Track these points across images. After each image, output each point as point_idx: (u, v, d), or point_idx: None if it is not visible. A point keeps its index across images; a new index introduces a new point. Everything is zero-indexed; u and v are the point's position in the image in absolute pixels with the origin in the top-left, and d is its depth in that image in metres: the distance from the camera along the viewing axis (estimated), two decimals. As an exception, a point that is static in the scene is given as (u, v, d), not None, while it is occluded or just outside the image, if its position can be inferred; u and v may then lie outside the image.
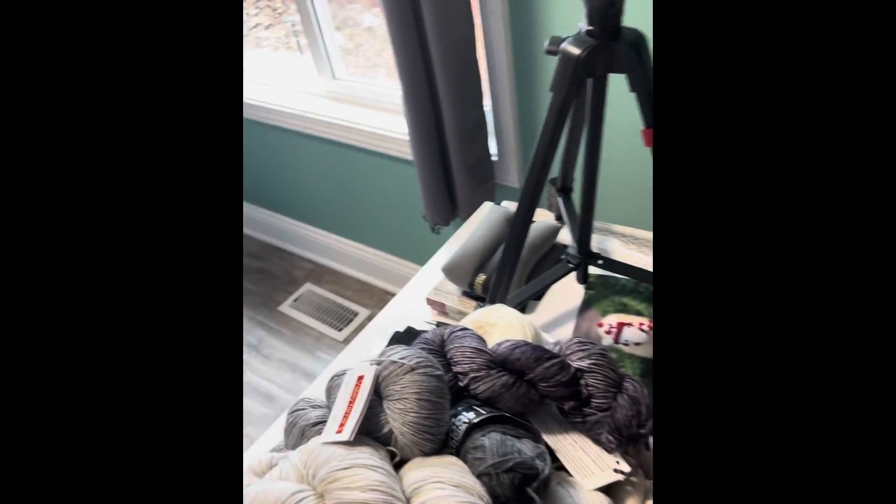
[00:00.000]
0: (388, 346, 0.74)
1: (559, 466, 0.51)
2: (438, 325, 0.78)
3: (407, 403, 0.49)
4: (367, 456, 0.47)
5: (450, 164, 1.29)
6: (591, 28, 0.55)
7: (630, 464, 0.51)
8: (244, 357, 1.82)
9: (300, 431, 0.54)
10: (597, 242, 0.84)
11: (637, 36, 0.56)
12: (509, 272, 0.67)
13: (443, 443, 0.50)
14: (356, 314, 1.90)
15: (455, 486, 0.44)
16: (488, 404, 0.53)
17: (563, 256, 0.75)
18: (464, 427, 0.49)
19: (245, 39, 1.83)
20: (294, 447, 0.53)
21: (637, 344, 0.69)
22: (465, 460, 0.48)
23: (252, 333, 1.90)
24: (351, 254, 1.98)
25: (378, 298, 1.94)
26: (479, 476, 0.46)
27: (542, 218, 0.86)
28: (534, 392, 0.53)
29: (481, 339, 0.56)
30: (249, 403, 1.70)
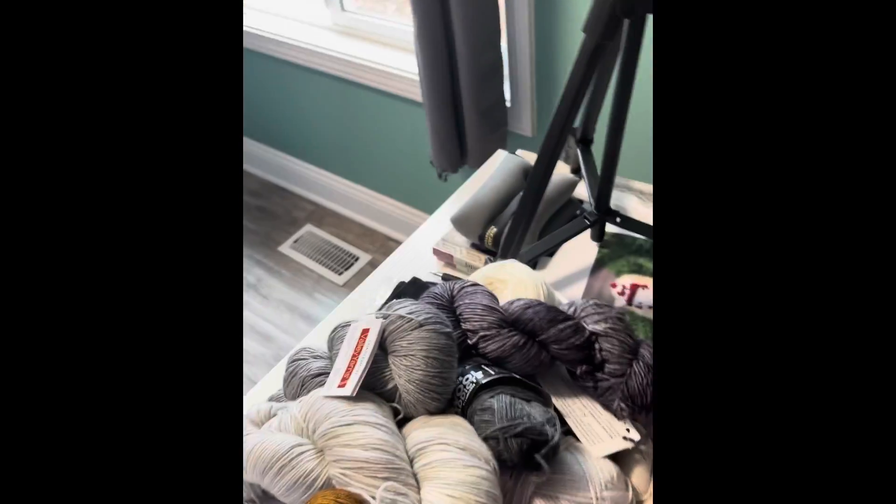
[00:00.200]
0: (392, 296, 0.71)
1: (567, 431, 0.50)
2: (445, 277, 0.75)
3: (414, 360, 0.46)
4: (371, 413, 0.45)
5: (461, 107, 1.23)
6: (633, -39, 0.50)
7: (640, 432, 0.50)
8: (243, 296, 1.81)
9: (300, 382, 0.52)
10: (614, 199, 0.80)
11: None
12: (524, 226, 0.64)
13: (448, 402, 0.48)
14: (357, 258, 1.87)
15: (461, 449, 0.43)
16: (497, 364, 0.51)
17: (579, 212, 0.72)
18: (471, 387, 0.47)
19: (248, -37, 1.72)
20: (294, 397, 0.52)
21: (651, 307, 0.66)
22: (471, 422, 0.46)
23: (251, 272, 1.89)
24: (354, 196, 1.94)
25: (380, 244, 1.92)
26: (485, 439, 0.44)
27: (558, 170, 0.82)
28: (545, 354, 0.51)
29: (493, 297, 0.53)
30: (247, 342, 1.70)
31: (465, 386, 0.48)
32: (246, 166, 2.26)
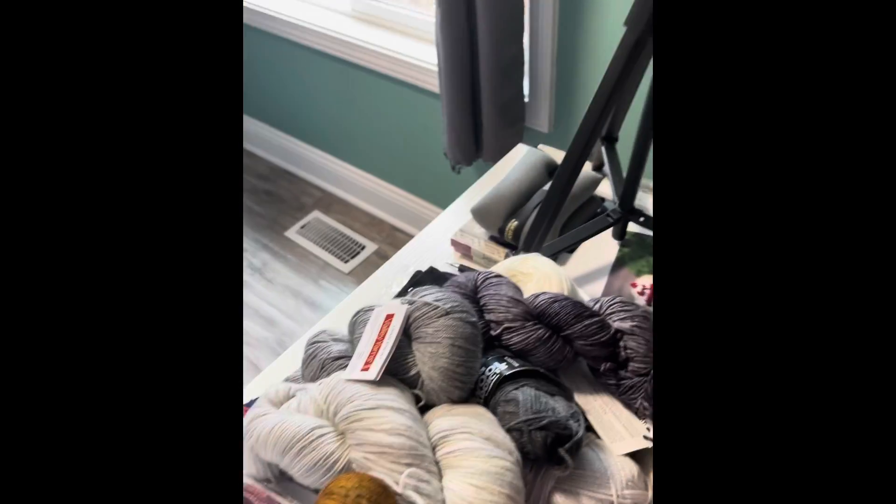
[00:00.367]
0: (409, 284, 0.71)
1: (587, 427, 0.49)
2: (461, 268, 0.75)
3: (439, 348, 0.46)
4: (394, 398, 0.44)
5: (480, 100, 1.22)
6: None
7: (660, 431, 0.49)
8: (247, 279, 1.81)
9: (320, 364, 0.52)
10: (636, 198, 0.79)
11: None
12: (548, 221, 0.64)
13: (471, 392, 0.48)
14: (363, 247, 1.87)
15: (485, 439, 0.42)
16: (520, 357, 0.50)
17: (600, 210, 0.71)
18: (495, 378, 0.47)
19: (269, -56, 1.71)
20: (312, 380, 0.51)
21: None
22: (494, 412, 0.46)
23: (256, 256, 1.88)
24: (363, 185, 1.93)
25: (387, 234, 1.91)
26: (509, 430, 0.44)
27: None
28: (569, 349, 0.50)
29: (517, 289, 0.53)
30: (250, 325, 1.70)
31: (487, 377, 0.48)
32: (255, 149, 2.25)
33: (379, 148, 1.78)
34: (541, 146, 0.88)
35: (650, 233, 0.72)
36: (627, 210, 0.67)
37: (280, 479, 0.48)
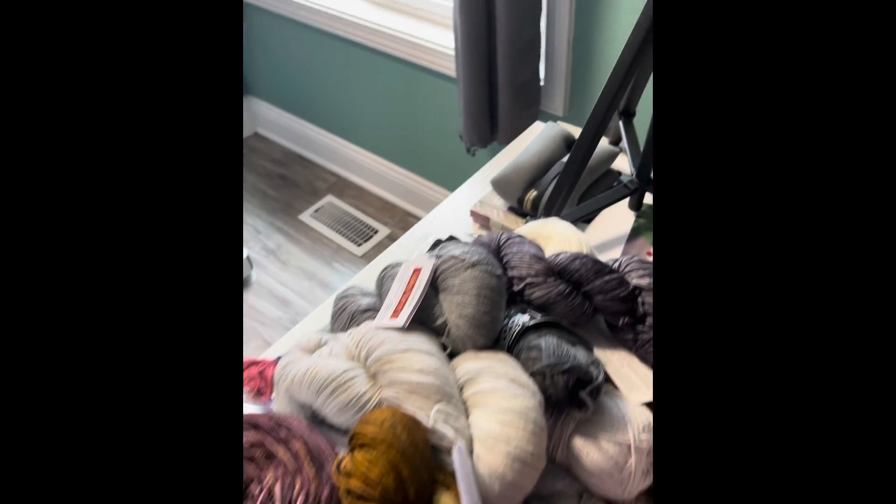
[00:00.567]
0: (429, 251, 0.73)
1: (605, 379, 0.51)
2: (481, 237, 0.77)
3: (466, 297, 0.48)
4: (423, 342, 0.47)
5: (496, 82, 1.24)
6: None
7: (675, 385, 0.51)
8: (261, 260, 1.84)
9: (349, 316, 0.54)
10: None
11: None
12: (567, 190, 0.66)
13: (494, 342, 0.50)
14: (376, 231, 1.89)
15: (510, 381, 0.44)
16: (541, 311, 0.52)
17: (617, 183, 0.73)
18: (518, 328, 0.49)
19: (288, -71, 1.73)
20: (342, 331, 0.54)
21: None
22: (518, 359, 0.48)
23: (271, 238, 1.91)
24: (376, 170, 1.95)
25: (399, 218, 1.93)
26: (532, 374, 0.46)
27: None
28: (588, 305, 0.52)
29: (539, 248, 0.55)
30: (264, 305, 1.72)
31: (511, 328, 0.50)
32: (269, 134, 2.28)
33: (392, 132, 1.80)
34: (559, 122, 0.90)
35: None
36: (644, 181, 0.69)
37: (312, 420, 0.50)
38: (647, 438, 0.47)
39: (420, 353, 0.45)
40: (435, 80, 1.52)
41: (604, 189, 0.76)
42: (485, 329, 0.48)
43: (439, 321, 0.49)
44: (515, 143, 0.91)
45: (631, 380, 0.51)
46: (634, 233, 0.73)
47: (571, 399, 0.45)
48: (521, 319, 0.50)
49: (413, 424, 0.40)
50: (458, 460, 0.39)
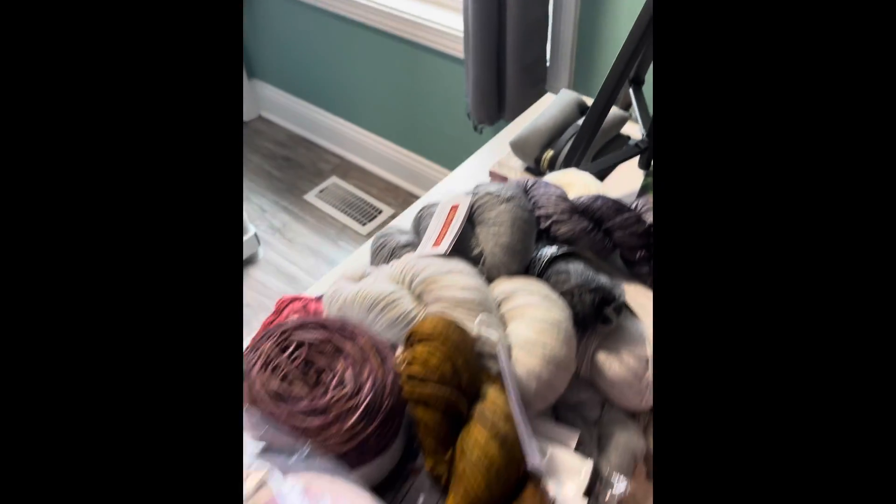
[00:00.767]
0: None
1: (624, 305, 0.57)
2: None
3: (501, 228, 0.53)
4: (464, 265, 0.52)
5: (505, 62, 1.29)
6: None
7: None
8: (267, 238, 1.87)
9: (390, 251, 0.59)
10: (656, 139, 0.87)
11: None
12: (584, 145, 0.71)
13: (525, 271, 0.55)
14: (380, 211, 1.94)
15: (543, 297, 0.50)
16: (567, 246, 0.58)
17: (629, 143, 0.79)
18: (546, 258, 0.54)
19: (298, -87, 1.76)
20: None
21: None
22: (548, 283, 0.53)
23: (276, 217, 1.94)
24: (380, 151, 1.99)
25: (402, 199, 1.98)
26: (562, 293, 0.51)
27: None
28: (608, 240, 0.58)
29: (563, 190, 0.60)
30: (271, 281, 1.76)
31: (539, 259, 0.55)
32: (273, 117, 2.31)
33: (396, 113, 1.84)
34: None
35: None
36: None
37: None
38: (663, 353, 0.52)
39: (462, 274, 0.50)
40: (438, 61, 1.56)
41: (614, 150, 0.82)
42: (518, 256, 0.53)
43: (476, 251, 0.55)
44: (525, 115, 0.96)
45: (646, 307, 0.57)
46: (644, 189, 0.78)
47: (597, 315, 0.50)
48: (549, 251, 0.55)
49: (460, 330, 0.45)
50: (502, 358, 0.45)
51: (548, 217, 0.58)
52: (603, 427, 0.52)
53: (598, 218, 0.57)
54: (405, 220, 0.82)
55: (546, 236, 0.59)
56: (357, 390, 0.40)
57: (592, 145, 0.81)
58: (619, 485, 0.46)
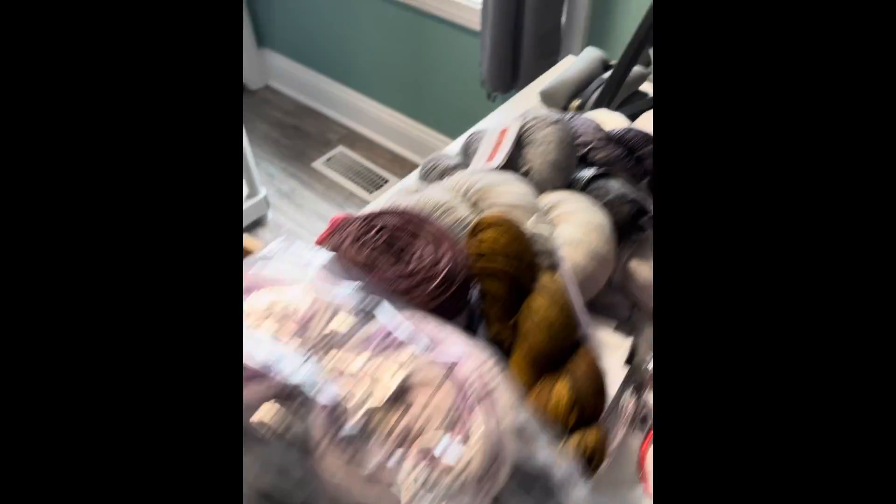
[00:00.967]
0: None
1: (651, 226, 0.63)
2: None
3: (549, 146, 0.59)
4: (516, 176, 0.58)
5: (522, 31, 1.35)
6: None
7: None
8: (276, 202, 1.91)
9: (441, 171, 0.65)
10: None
11: None
12: (611, 94, 0.77)
13: (568, 188, 0.62)
14: (387, 181, 1.99)
15: (587, 204, 0.56)
16: (601, 171, 0.64)
17: (648, 98, 0.85)
18: (587, 176, 0.61)
19: None
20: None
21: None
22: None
23: (285, 183, 1.98)
24: (387, 122, 2.04)
25: (409, 170, 2.03)
26: (603, 205, 0.58)
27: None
28: (639, 167, 0.64)
29: (598, 123, 0.67)
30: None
31: (579, 179, 0.62)
32: (280, 86, 2.35)
33: (405, 82, 1.88)
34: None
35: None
36: (673, 92, 0.82)
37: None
38: (687, 262, 0.59)
39: (515, 183, 0.57)
40: (447, 30, 1.60)
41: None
42: (563, 173, 0.60)
43: (524, 169, 0.61)
44: (530, 87, 1.02)
45: (671, 227, 0.63)
46: (661, 140, 0.85)
47: (633, 224, 0.57)
48: (589, 172, 0.62)
49: (517, 225, 0.51)
50: (556, 246, 0.51)
51: (586, 144, 0.64)
52: (632, 325, 0.59)
53: (630, 146, 0.64)
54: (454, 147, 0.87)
55: (584, 161, 0.65)
56: (437, 261, 0.46)
57: (616, 98, 0.87)
58: (650, 365, 0.53)
